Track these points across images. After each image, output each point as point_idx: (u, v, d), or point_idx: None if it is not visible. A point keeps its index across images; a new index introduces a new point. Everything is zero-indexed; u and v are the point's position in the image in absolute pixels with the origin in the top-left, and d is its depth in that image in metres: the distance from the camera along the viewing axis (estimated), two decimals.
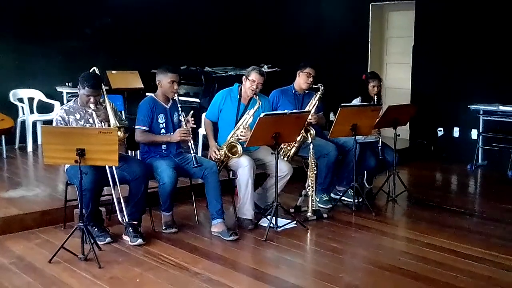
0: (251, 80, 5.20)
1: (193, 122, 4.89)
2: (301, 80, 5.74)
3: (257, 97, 5.20)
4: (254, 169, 5.02)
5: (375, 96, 5.88)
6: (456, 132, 8.30)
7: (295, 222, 5.12)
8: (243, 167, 4.98)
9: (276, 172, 4.91)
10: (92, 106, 4.55)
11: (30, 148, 7.72)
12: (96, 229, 4.61)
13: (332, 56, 9.34)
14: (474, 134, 7.96)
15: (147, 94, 5.76)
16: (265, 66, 8.27)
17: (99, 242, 4.47)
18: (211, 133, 5.36)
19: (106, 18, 8.82)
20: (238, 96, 5.32)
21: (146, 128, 4.91)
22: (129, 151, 5.27)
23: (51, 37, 8.29)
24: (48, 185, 6.02)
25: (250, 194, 5.01)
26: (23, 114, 7.88)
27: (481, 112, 7.56)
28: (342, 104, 5.38)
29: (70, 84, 8.33)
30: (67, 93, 8.21)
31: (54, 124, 4.66)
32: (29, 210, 5.09)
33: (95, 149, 4.09)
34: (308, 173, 5.27)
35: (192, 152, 4.76)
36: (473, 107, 7.59)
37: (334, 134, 5.48)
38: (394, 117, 5.74)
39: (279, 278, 4.06)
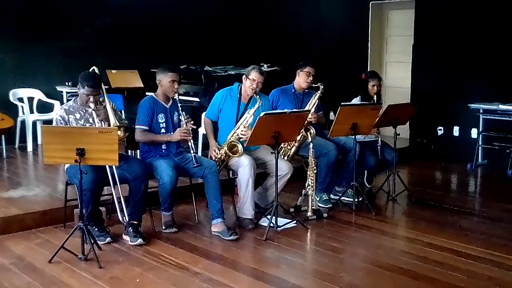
0: (251, 79, 5.20)
1: (192, 123, 4.88)
2: (301, 79, 5.74)
3: (258, 96, 5.20)
4: (255, 168, 5.02)
5: (375, 95, 5.88)
6: (456, 131, 8.30)
7: (295, 221, 5.12)
8: (243, 166, 4.98)
9: (276, 171, 4.92)
10: (92, 105, 4.55)
11: (30, 147, 7.72)
12: (96, 229, 4.61)
13: (332, 55, 9.34)
14: (474, 133, 7.96)
15: (147, 93, 5.76)
16: (265, 65, 8.26)
17: (99, 242, 4.47)
18: (211, 132, 5.35)
19: (105, 18, 8.82)
20: (238, 95, 5.32)
21: (146, 128, 4.90)
22: (129, 151, 5.27)
23: (51, 36, 8.29)
24: (48, 185, 6.02)
25: (250, 193, 5.01)
26: (23, 113, 7.87)
27: (481, 111, 7.56)
28: (342, 103, 5.38)
29: (70, 84, 8.33)
30: (67, 92, 8.21)
31: (54, 123, 4.66)
32: (29, 210, 5.08)
33: (95, 148, 4.09)
34: (308, 172, 5.27)
35: (192, 151, 4.76)
36: (473, 106, 7.59)
37: (334, 133, 5.47)
38: (394, 116, 5.73)
39: (279, 278, 4.06)
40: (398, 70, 9.12)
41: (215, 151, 5.17)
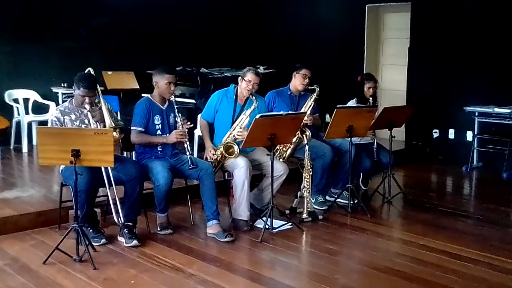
0: (247, 81, 5.21)
1: (188, 123, 4.88)
2: (297, 82, 5.75)
3: (254, 97, 5.20)
4: (251, 170, 5.02)
5: (371, 98, 5.88)
6: (451, 133, 8.32)
7: (290, 223, 5.12)
8: (239, 168, 4.98)
9: (272, 173, 4.92)
10: (87, 106, 4.55)
11: (25, 148, 7.69)
12: (91, 230, 4.60)
13: (328, 57, 9.35)
14: (469, 135, 7.98)
15: (143, 95, 5.76)
16: (261, 67, 8.26)
17: (94, 243, 4.46)
18: (207, 133, 5.36)
19: (102, 19, 8.80)
20: (235, 97, 5.32)
21: (142, 130, 4.90)
22: (125, 152, 5.26)
23: (46, 37, 8.27)
24: (43, 186, 6.00)
25: (246, 195, 5.00)
26: (18, 114, 7.85)
27: (476, 114, 7.59)
28: (338, 106, 5.39)
29: (65, 85, 8.32)
30: (63, 93, 8.19)
31: (49, 124, 4.65)
32: (23, 211, 5.07)
33: (90, 150, 4.08)
34: (304, 174, 5.27)
35: (187, 153, 4.76)
36: (468, 109, 7.62)
37: (330, 136, 5.48)
38: (390, 118, 5.74)
39: (275, 280, 4.06)
40: (394, 72, 9.14)
41: (211, 152, 5.17)
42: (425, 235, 4.94)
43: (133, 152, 5.18)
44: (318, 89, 5.62)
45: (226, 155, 5.07)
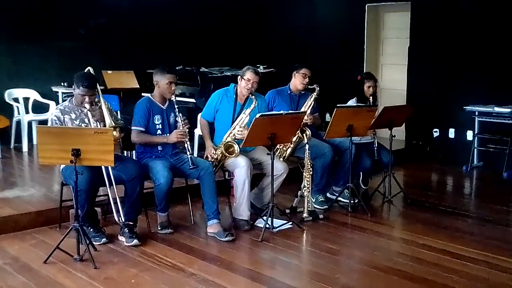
0: (246, 80, 5.21)
1: (188, 126, 4.88)
2: (297, 81, 5.75)
3: (253, 96, 5.20)
4: (251, 169, 5.02)
5: (371, 97, 5.88)
6: (451, 133, 8.32)
7: (291, 223, 5.12)
8: (240, 167, 4.98)
9: (272, 172, 4.92)
10: (87, 105, 4.55)
11: (25, 148, 7.70)
12: (91, 230, 4.60)
13: (328, 56, 9.35)
14: (469, 135, 7.98)
15: (143, 94, 5.75)
16: (261, 67, 8.27)
17: (94, 243, 4.46)
18: (208, 133, 5.36)
19: (101, 18, 8.80)
20: (234, 96, 5.32)
21: (143, 129, 4.90)
22: (125, 152, 5.26)
23: (46, 37, 8.27)
24: (43, 185, 6.00)
25: (246, 194, 5.00)
26: (19, 114, 7.85)
27: (477, 113, 7.59)
28: (338, 105, 5.39)
29: (65, 84, 8.31)
30: (63, 93, 8.19)
31: (49, 123, 4.65)
32: (24, 210, 5.07)
33: (90, 149, 4.08)
34: (304, 173, 5.27)
35: (188, 153, 4.76)
36: (468, 108, 7.62)
37: (330, 135, 5.48)
38: (390, 118, 5.74)
39: (275, 279, 4.06)
40: (394, 72, 9.13)
41: (211, 151, 5.17)
42: (426, 234, 4.94)
43: (134, 152, 5.17)
44: (318, 88, 5.62)
45: (227, 154, 5.07)
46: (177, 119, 4.90)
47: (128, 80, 8.81)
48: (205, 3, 9.75)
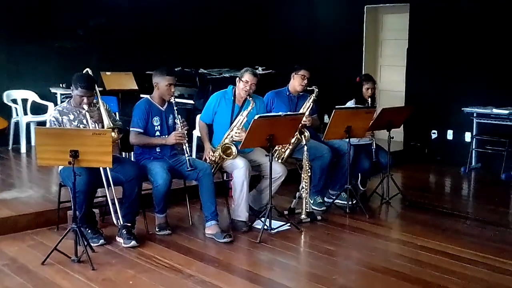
0: (244, 81, 5.21)
1: (186, 128, 4.88)
2: (296, 82, 5.75)
3: (251, 98, 5.20)
4: (250, 171, 5.02)
5: (369, 99, 5.88)
6: (449, 134, 8.32)
7: (289, 224, 5.12)
8: (238, 168, 4.98)
9: (270, 174, 4.92)
10: (85, 107, 4.54)
11: (23, 149, 7.69)
12: (89, 231, 4.59)
13: (327, 58, 9.35)
14: (467, 136, 7.98)
15: (141, 95, 5.75)
16: (260, 68, 8.26)
17: (92, 244, 4.46)
18: (206, 135, 5.35)
19: (100, 19, 8.80)
20: (233, 98, 5.32)
21: (141, 131, 4.89)
22: (123, 153, 5.26)
23: (45, 38, 8.27)
24: (41, 187, 6.00)
25: (244, 196, 5.00)
26: (17, 115, 7.85)
27: (475, 114, 7.59)
28: (336, 107, 5.39)
29: (64, 85, 8.30)
30: (61, 94, 8.18)
31: (47, 125, 4.65)
32: (22, 211, 5.07)
33: (89, 150, 4.08)
34: (302, 175, 5.27)
35: (186, 155, 4.76)
36: (466, 109, 7.63)
37: (329, 136, 5.48)
38: (388, 119, 5.75)
39: (273, 280, 4.06)
40: (392, 73, 9.14)
41: (209, 153, 5.17)
42: (424, 235, 4.94)
43: (132, 153, 5.17)
44: (317, 90, 5.62)
45: (224, 156, 5.07)
46: (176, 120, 4.90)
47: (127, 82, 8.81)
48: (204, 4, 9.75)
